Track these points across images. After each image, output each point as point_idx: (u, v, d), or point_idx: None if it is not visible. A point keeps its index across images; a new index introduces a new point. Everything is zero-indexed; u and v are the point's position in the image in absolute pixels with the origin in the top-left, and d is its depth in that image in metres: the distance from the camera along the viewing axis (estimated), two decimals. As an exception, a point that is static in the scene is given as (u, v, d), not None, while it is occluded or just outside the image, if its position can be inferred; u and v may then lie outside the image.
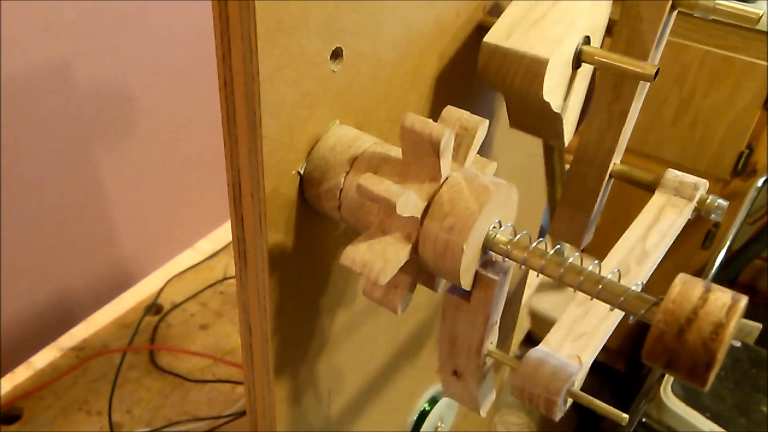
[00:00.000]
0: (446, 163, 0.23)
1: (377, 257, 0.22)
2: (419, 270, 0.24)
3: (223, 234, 0.82)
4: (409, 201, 0.22)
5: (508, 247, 0.23)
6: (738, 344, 1.27)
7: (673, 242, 0.29)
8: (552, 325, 0.24)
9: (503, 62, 0.27)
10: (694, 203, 0.30)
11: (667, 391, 1.19)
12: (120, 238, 0.86)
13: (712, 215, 0.29)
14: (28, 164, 0.71)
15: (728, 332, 0.19)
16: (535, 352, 0.22)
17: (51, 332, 0.68)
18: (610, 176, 0.32)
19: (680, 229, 0.28)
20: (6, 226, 0.72)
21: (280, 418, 0.31)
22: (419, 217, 0.22)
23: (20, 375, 0.64)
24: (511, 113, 0.32)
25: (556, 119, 0.29)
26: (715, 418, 1.15)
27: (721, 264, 1.15)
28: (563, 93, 0.29)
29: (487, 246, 0.23)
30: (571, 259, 0.22)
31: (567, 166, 0.97)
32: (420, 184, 0.23)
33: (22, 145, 0.70)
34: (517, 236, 0.23)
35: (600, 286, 0.21)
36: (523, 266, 0.23)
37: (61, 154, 0.75)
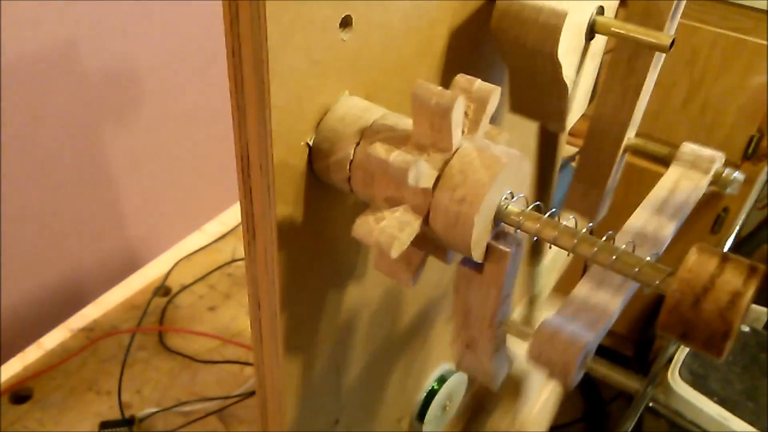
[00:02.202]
0: (457, 133, 0.22)
1: (388, 230, 0.22)
2: (430, 242, 0.24)
3: (231, 216, 0.82)
4: (420, 171, 0.21)
5: (521, 218, 0.22)
6: (746, 329, 1.26)
7: (682, 226, 0.28)
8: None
9: (519, 16, 0.26)
10: (710, 176, 0.29)
11: (675, 375, 1.19)
12: (129, 221, 0.86)
13: (728, 189, 0.28)
14: (38, 146, 0.71)
15: (746, 301, 0.18)
16: (550, 321, 0.22)
17: (61, 313, 0.68)
18: (625, 150, 0.32)
19: (696, 202, 0.28)
20: (16, 208, 0.72)
21: (288, 394, 0.31)
22: (430, 188, 0.22)
23: (30, 355, 0.64)
24: (514, 90, 0.31)
25: (562, 93, 0.29)
26: (722, 402, 1.15)
27: (730, 249, 1.14)
28: (575, 64, 0.29)
29: (499, 217, 0.23)
30: (584, 230, 0.22)
31: (573, 149, 0.96)
32: (431, 155, 0.23)
33: (32, 127, 0.70)
34: (529, 207, 0.23)
35: (614, 257, 0.21)
36: (535, 238, 0.22)
37: (70, 136, 0.75)
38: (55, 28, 0.68)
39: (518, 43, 0.26)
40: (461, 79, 0.24)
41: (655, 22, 0.28)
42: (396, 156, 0.21)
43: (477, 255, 0.23)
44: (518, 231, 0.23)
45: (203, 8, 0.82)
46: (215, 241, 0.78)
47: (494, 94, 0.23)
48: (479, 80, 0.23)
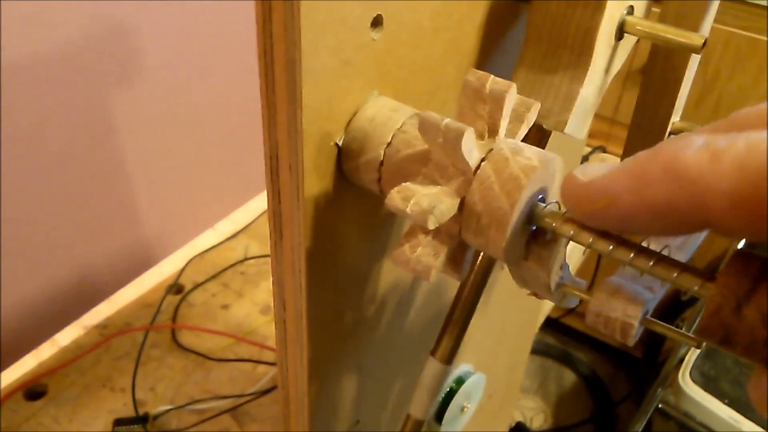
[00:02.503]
0: (473, 156, 0.22)
1: (424, 259, 0.23)
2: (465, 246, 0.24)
3: (243, 215, 0.82)
4: (438, 212, 0.21)
5: (555, 221, 0.22)
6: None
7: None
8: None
9: None
10: None
11: (686, 377, 1.18)
12: (141, 219, 0.86)
13: None
14: (50, 144, 0.72)
15: (790, 307, 0.18)
16: (611, 279, 0.23)
17: (74, 310, 0.68)
18: (670, 133, 0.32)
19: None
20: (30, 205, 0.72)
21: (312, 394, 0.31)
22: (455, 213, 0.22)
23: (44, 352, 0.64)
24: (522, 69, 0.29)
25: (581, 72, 0.27)
26: (733, 404, 1.14)
27: (744, 247, 1.13)
28: (604, 58, 0.28)
29: (533, 221, 0.23)
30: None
31: (587, 149, 0.95)
32: (452, 178, 0.23)
33: (44, 125, 0.70)
34: (564, 212, 0.22)
35: (652, 262, 0.21)
36: (570, 241, 0.22)
37: (84, 134, 0.75)
38: (64, 23, 0.68)
39: None
40: (472, 78, 0.23)
41: (689, 24, 0.28)
42: (413, 206, 0.21)
43: (509, 259, 0.23)
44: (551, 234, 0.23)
45: (215, 4, 0.82)
46: (228, 239, 0.78)
47: (509, 92, 0.23)
48: (492, 77, 0.23)
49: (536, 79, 0.29)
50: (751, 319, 0.18)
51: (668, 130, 0.32)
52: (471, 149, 0.22)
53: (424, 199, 0.22)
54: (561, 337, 1.54)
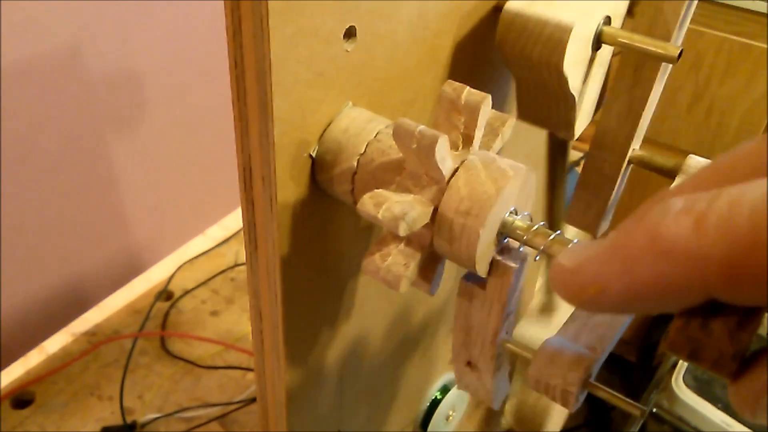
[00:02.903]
0: (446, 164, 0.22)
1: (394, 269, 0.22)
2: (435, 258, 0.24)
3: (233, 221, 0.82)
4: (410, 219, 0.21)
5: (527, 234, 0.22)
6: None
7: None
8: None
9: (524, 29, 0.26)
10: None
11: (679, 381, 1.18)
12: (131, 225, 0.86)
13: None
14: (40, 149, 0.71)
15: (756, 320, 0.18)
16: (551, 341, 0.22)
17: (63, 317, 0.68)
18: (629, 162, 0.32)
19: None
20: (19, 211, 0.72)
21: (290, 405, 0.30)
22: (427, 221, 0.22)
23: (32, 359, 0.64)
24: (522, 99, 0.30)
25: (570, 104, 0.29)
26: (726, 408, 1.14)
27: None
28: (582, 75, 0.28)
29: (504, 232, 0.23)
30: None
31: (578, 154, 0.95)
32: (426, 186, 0.23)
33: (35, 130, 0.70)
34: (536, 225, 0.22)
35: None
36: (542, 254, 0.22)
37: (73, 141, 0.75)
38: (58, 31, 0.68)
39: (523, 55, 0.26)
40: (448, 88, 0.23)
41: (661, 32, 0.28)
42: (384, 212, 0.21)
43: (481, 269, 0.23)
44: (523, 247, 0.23)
45: (207, 12, 0.82)
46: (218, 245, 0.78)
47: (484, 103, 0.23)
48: (468, 89, 0.23)
49: (538, 107, 0.30)
50: (718, 334, 0.18)
51: (627, 157, 0.32)
52: (445, 157, 0.22)
53: (396, 206, 0.22)
54: (555, 341, 1.54)
